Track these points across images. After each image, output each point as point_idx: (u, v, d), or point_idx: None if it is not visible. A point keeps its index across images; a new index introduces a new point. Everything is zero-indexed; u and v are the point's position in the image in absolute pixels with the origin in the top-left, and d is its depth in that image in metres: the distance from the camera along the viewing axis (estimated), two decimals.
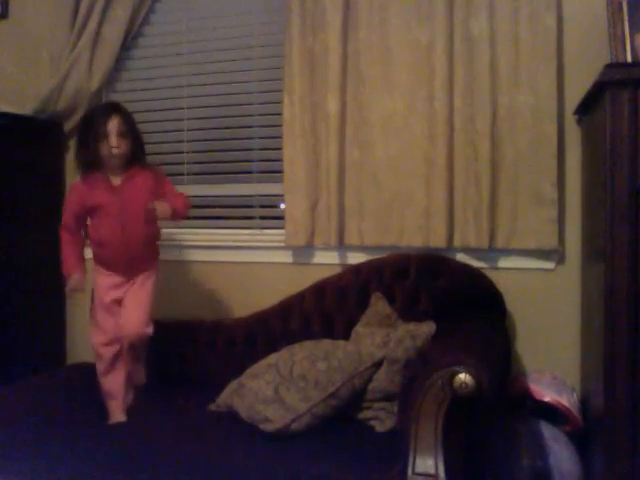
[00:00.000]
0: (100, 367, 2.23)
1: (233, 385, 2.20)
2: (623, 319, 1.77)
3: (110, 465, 1.89)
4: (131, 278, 2.24)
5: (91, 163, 2.19)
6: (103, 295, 2.24)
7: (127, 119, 2.20)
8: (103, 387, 2.23)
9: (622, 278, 1.77)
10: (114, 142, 2.15)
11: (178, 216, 2.26)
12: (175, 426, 2.06)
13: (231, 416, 2.09)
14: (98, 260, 2.26)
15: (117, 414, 2.19)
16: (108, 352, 2.21)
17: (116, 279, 2.24)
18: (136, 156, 2.23)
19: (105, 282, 2.24)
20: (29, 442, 1.98)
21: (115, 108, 2.21)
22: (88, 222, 2.27)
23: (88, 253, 2.31)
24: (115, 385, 2.22)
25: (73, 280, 2.22)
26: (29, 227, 2.80)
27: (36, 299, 2.81)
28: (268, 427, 1.95)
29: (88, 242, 2.29)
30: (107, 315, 2.23)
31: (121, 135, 2.16)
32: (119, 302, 2.24)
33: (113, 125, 2.15)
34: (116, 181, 2.21)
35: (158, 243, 2.34)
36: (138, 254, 2.23)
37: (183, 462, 1.84)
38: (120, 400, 2.21)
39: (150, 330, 2.23)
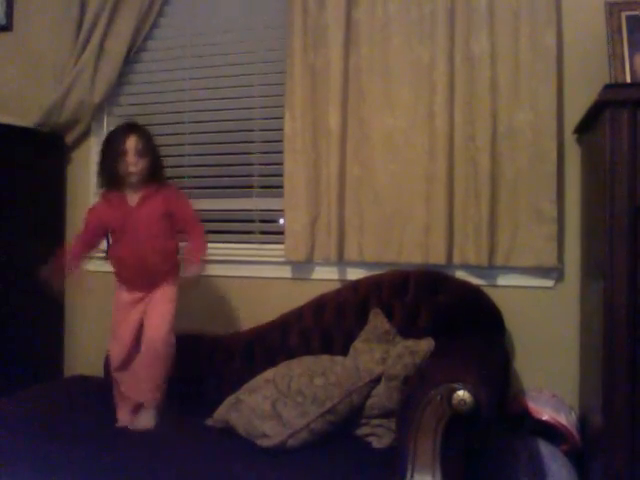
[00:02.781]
0: (114, 374, 2.27)
1: (231, 400, 2.18)
2: (622, 337, 1.78)
3: (108, 476, 1.88)
4: (151, 292, 2.27)
5: (110, 181, 2.24)
6: (123, 310, 2.28)
7: (145, 138, 2.24)
8: (115, 390, 2.28)
9: (621, 295, 1.78)
10: (131, 160, 2.19)
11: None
12: (173, 439, 2.05)
13: (228, 431, 2.08)
14: (118, 277, 2.32)
15: (122, 417, 2.23)
16: (120, 361, 2.25)
17: (136, 295, 2.27)
18: (154, 174, 2.26)
19: (125, 298, 2.29)
20: (29, 450, 1.97)
21: (133, 127, 2.25)
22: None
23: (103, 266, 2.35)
24: (125, 387, 2.25)
25: (44, 269, 2.19)
26: (29, 231, 2.82)
27: (35, 301, 2.80)
28: (265, 442, 1.94)
29: (108, 259, 2.35)
30: (125, 329, 2.26)
31: (139, 154, 2.20)
32: (140, 320, 2.26)
33: (131, 143, 2.20)
34: (133, 200, 2.24)
35: (178, 256, 2.34)
36: (155, 271, 2.25)
37: (182, 472, 1.83)
38: (130, 403, 2.24)
39: (173, 339, 2.24)
